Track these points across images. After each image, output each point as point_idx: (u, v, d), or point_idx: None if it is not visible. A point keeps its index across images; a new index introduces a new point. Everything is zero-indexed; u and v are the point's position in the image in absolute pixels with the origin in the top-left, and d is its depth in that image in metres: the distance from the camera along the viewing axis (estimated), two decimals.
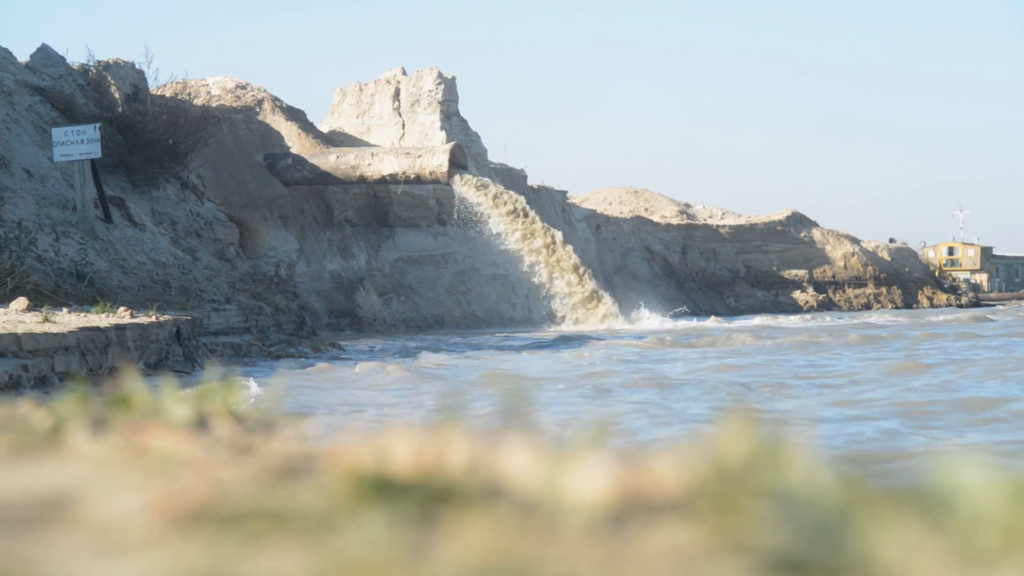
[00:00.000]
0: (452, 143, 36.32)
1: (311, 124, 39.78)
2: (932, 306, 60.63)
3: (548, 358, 20.25)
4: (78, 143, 20.53)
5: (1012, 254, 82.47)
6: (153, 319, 14.28)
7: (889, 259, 61.40)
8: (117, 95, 27.28)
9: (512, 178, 45.12)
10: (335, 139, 40.42)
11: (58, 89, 25.34)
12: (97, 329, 12.06)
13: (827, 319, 42.57)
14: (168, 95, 30.30)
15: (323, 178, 36.62)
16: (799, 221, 60.01)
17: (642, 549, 0.98)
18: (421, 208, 39.24)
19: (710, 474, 1.14)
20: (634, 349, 22.33)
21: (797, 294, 58.23)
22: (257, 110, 38.06)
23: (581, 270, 35.84)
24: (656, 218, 57.38)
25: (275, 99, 38.83)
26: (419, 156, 35.45)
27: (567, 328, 33.50)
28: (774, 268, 58.46)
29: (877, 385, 13.83)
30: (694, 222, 58.10)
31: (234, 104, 37.68)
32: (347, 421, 10.56)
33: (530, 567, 0.95)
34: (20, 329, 10.90)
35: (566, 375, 15.91)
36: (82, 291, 17.44)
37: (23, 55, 26.58)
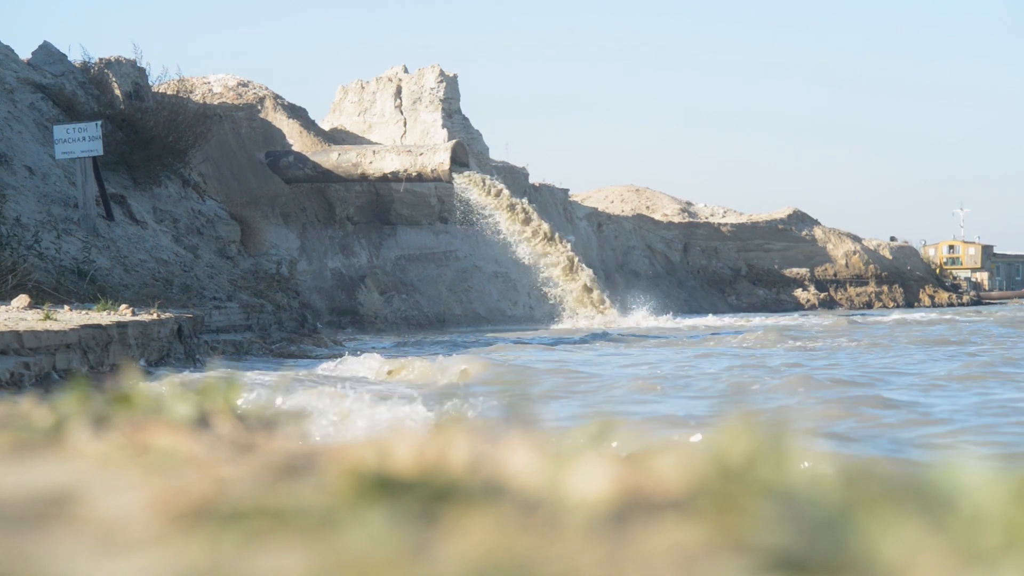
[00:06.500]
0: (454, 141, 36.30)
1: (313, 122, 39.77)
2: (933, 305, 60.60)
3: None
4: (80, 140, 20.51)
5: (1013, 253, 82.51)
6: (155, 317, 14.27)
7: (890, 257, 61.38)
8: (118, 92, 27.28)
9: (514, 176, 45.08)
10: (337, 137, 40.42)
11: (59, 86, 25.32)
12: (99, 327, 12.06)
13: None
14: (170, 92, 30.28)
15: (325, 176, 36.62)
16: (801, 219, 59.97)
17: (643, 547, 0.98)
18: (423, 206, 39.23)
19: (711, 472, 1.14)
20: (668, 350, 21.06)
21: (799, 292, 58.21)
22: (259, 108, 38.05)
23: (582, 269, 35.82)
24: (658, 216, 57.35)
25: (277, 97, 38.82)
26: (421, 154, 35.43)
27: (568, 327, 33.44)
28: (776, 266, 58.43)
29: None
30: (695, 220, 58.07)
31: (236, 102, 37.67)
32: None
33: (531, 565, 0.95)
34: (21, 326, 10.90)
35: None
36: (84, 289, 17.43)
37: (25, 52, 26.62)
